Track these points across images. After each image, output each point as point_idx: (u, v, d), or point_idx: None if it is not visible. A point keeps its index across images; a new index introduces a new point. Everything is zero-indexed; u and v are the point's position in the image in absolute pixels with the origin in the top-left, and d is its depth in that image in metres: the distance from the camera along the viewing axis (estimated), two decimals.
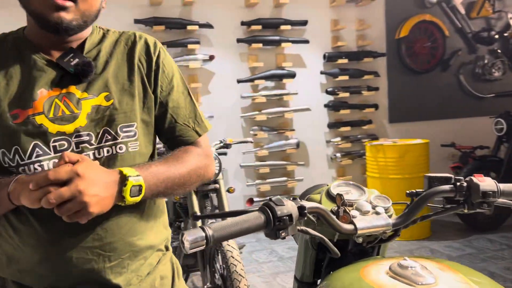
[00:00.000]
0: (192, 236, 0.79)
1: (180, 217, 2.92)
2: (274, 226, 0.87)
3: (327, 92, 4.77)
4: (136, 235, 1.02)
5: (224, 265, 2.30)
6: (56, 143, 0.94)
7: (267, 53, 4.57)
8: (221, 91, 4.45)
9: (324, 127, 4.85)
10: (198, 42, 4.25)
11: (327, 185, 1.16)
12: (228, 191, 2.80)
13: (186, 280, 2.94)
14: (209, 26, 4.28)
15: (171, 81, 1.09)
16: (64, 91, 0.97)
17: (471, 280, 0.85)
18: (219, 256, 2.39)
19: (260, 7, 4.50)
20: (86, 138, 0.96)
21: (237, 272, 2.21)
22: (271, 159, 4.58)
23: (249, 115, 4.46)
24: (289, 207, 0.88)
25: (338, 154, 4.84)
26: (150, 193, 0.93)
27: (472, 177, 1.00)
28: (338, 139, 4.83)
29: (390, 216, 1.05)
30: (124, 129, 1.00)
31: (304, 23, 4.60)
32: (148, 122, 1.05)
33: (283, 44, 4.51)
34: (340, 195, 1.03)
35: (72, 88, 0.98)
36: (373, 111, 4.92)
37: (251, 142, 2.97)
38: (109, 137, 0.98)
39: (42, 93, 0.96)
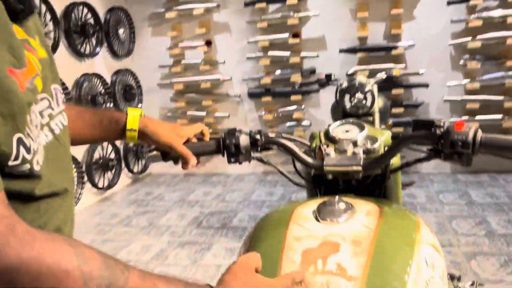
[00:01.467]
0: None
1: None
2: (224, 153, 1.01)
3: None
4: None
5: None
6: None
7: None
8: (428, 16, 4.04)
9: None
10: None
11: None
12: (386, 125, 2.73)
13: None
14: None
15: None
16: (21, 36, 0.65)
17: (387, 225, 0.81)
18: None
19: None
20: (47, 102, 0.68)
21: None
22: (483, 93, 3.99)
23: (459, 42, 3.94)
24: (240, 138, 1.00)
25: None
26: None
27: (451, 124, 0.86)
28: None
29: None
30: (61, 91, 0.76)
31: None
32: None
33: None
34: (319, 133, 1.05)
35: (20, 32, 0.64)
36: None
37: (421, 74, 2.73)
38: (61, 99, 0.74)
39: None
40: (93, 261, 0.53)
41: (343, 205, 0.87)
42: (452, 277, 1.73)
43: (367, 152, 1.01)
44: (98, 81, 4.17)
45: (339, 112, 2.80)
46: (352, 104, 2.63)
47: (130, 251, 3.07)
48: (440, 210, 3.33)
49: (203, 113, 4.60)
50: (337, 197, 0.89)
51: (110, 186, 4.29)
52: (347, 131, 1.09)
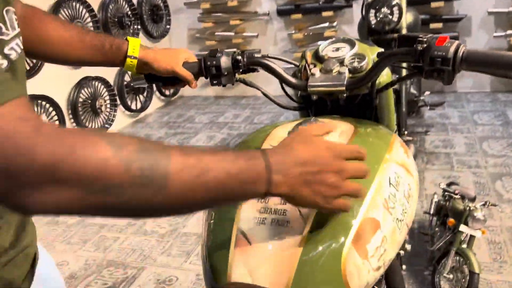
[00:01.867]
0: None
1: None
2: (207, 75, 1.00)
3: None
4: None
5: None
6: None
7: None
8: None
9: None
10: None
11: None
12: None
13: None
14: None
15: None
16: None
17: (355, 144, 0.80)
18: None
19: None
20: None
21: None
22: None
23: None
24: (220, 60, 0.98)
25: None
26: None
27: (433, 40, 0.79)
28: None
29: None
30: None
31: None
32: None
33: None
34: (305, 52, 1.01)
35: None
36: None
37: None
38: (16, 21, 0.61)
39: None
40: (129, 146, 0.51)
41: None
42: (463, 197, 1.72)
43: (353, 71, 0.97)
44: (124, 2, 4.12)
45: (366, 30, 2.66)
46: (378, 19, 2.49)
47: None
48: (472, 131, 3.21)
49: (231, 34, 4.50)
50: (313, 118, 0.88)
51: (143, 108, 4.41)
52: (337, 49, 1.04)
